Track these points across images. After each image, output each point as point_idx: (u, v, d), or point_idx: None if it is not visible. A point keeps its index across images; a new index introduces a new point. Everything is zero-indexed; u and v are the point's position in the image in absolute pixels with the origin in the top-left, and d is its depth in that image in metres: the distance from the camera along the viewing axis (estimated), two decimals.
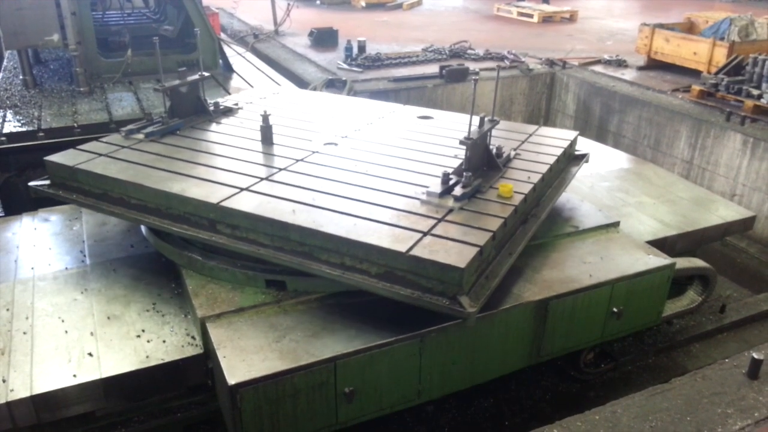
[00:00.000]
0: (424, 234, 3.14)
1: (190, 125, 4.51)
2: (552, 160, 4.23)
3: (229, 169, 3.81)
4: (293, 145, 4.25)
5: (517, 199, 3.59)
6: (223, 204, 3.34)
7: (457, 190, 3.47)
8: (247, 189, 3.53)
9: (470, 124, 3.60)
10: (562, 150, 4.43)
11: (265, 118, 4.21)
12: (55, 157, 3.88)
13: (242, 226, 3.33)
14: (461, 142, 3.53)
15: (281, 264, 3.31)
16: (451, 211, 3.39)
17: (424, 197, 3.49)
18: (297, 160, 3.99)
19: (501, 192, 3.57)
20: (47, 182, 3.93)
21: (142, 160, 3.87)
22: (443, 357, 3.37)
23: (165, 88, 4.31)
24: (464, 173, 3.54)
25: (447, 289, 2.95)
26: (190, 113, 4.61)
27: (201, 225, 3.45)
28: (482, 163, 3.87)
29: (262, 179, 3.68)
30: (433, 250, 2.99)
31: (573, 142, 4.70)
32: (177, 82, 4.41)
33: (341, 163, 4.02)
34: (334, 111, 5.20)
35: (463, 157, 3.69)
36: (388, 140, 4.51)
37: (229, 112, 4.88)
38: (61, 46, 6.32)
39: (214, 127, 4.60)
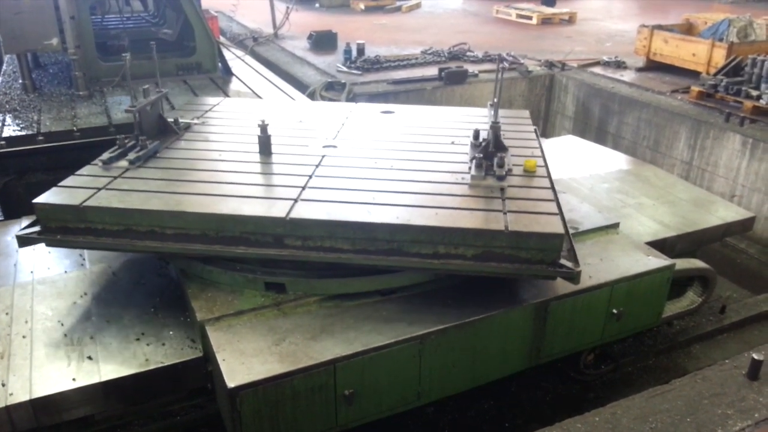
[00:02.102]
0: (504, 212, 3.33)
1: (165, 146, 4.19)
2: (533, 135, 4.55)
3: (257, 183, 3.68)
4: (294, 152, 4.16)
5: (543, 171, 3.89)
6: (294, 216, 3.22)
7: (499, 171, 3.69)
8: (300, 199, 3.42)
9: (497, 110, 3.85)
10: (533, 126, 4.80)
11: (263, 128, 4.04)
12: (47, 199, 3.38)
13: (316, 235, 3.24)
14: (491, 127, 3.78)
15: (368, 266, 3.34)
16: (502, 189, 3.61)
17: (469, 181, 3.68)
18: (316, 165, 3.92)
19: (526, 167, 3.85)
20: (37, 228, 3.41)
21: (153, 187, 3.56)
22: (443, 359, 3.37)
23: (137, 109, 3.97)
24: (497, 155, 3.77)
25: (546, 256, 3.20)
26: (156, 132, 4.29)
27: (264, 243, 3.28)
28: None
29: (303, 188, 3.57)
30: (526, 224, 3.22)
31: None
32: (145, 101, 4.10)
33: (360, 162, 4.02)
34: (296, 116, 5.02)
35: (460, 142, 4.24)
36: (380, 136, 4.54)
37: (188, 127, 4.60)
38: (61, 50, 6.32)
39: (190, 144, 4.30)
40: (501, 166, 3.73)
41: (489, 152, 3.84)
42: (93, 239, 3.38)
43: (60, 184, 3.55)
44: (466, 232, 3.18)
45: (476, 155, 3.84)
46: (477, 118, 4.98)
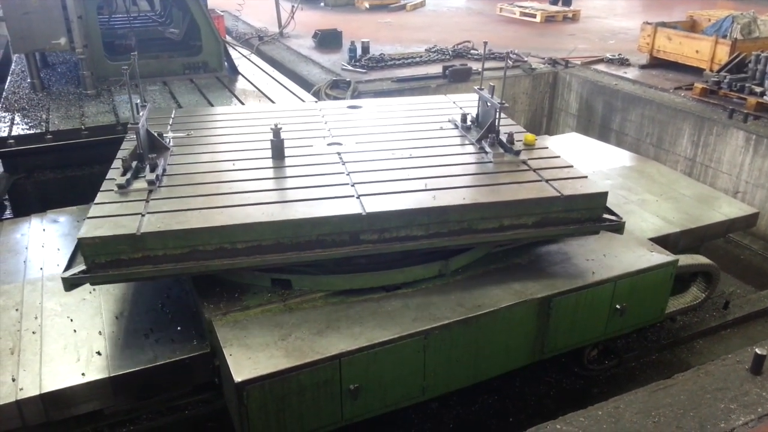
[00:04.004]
0: (546, 180, 3.72)
1: (168, 162, 3.95)
2: (503, 114, 4.82)
3: (300, 186, 3.63)
4: (304, 153, 4.13)
5: (540, 144, 4.29)
6: (371, 211, 3.30)
7: (516, 147, 4.08)
8: (360, 195, 3.48)
9: (503, 92, 4.17)
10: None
11: (276, 132, 3.97)
12: (94, 232, 3.06)
13: (393, 226, 3.36)
14: (499, 109, 4.07)
15: (440, 248, 3.54)
16: (524, 162, 3.97)
17: (492, 159, 4.03)
18: (342, 163, 3.96)
19: (526, 141, 4.25)
20: (82, 267, 3.12)
21: (199, 204, 3.40)
22: (447, 354, 3.40)
23: (140, 125, 3.74)
24: (508, 134, 4.17)
25: (593, 213, 3.67)
26: (149, 148, 3.97)
27: (340, 242, 3.32)
28: None
29: (353, 184, 3.62)
30: (573, 188, 3.65)
31: None
32: (143, 116, 3.86)
33: (378, 155, 4.12)
34: (264, 120, 4.81)
35: (446, 127, 4.62)
36: (370, 129, 4.64)
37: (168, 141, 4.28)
38: (68, 50, 6.37)
39: (189, 157, 4.07)
40: (512, 142, 4.10)
41: (497, 131, 4.21)
42: (151, 268, 3.14)
43: (89, 216, 3.24)
44: (528, 202, 3.53)
45: (490, 135, 4.17)
46: (440, 105, 5.32)
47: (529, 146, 4.20)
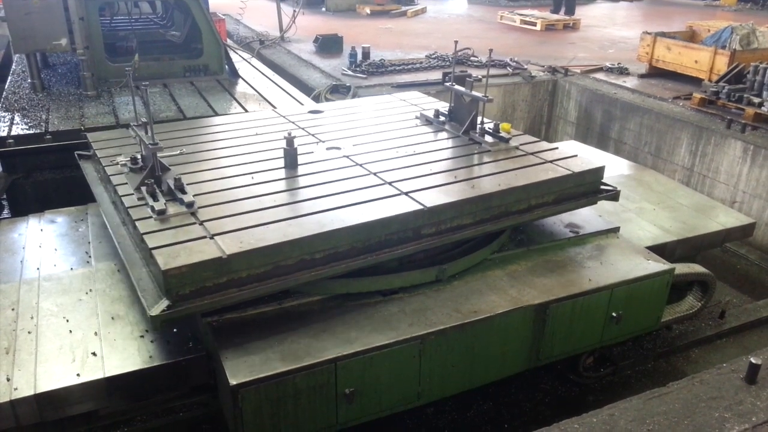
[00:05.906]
0: (551, 161, 4.14)
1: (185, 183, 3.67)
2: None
3: (338, 192, 3.65)
4: (311, 160, 4.13)
5: (515, 132, 4.65)
6: (434, 204, 3.49)
7: (502, 136, 4.45)
8: (405, 192, 3.63)
9: (486, 87, 4.45)
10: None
11: (290, 141, 3.94)
12: (178, 262, 2.91)
13: (447, 218, 3.58)
14: (486, 102, 4.38)
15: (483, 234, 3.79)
16: (517, 148, 4.38)
17: (488, 148, 4.34)
18: (358, 164, 4.05)
19: (503, 128, 4.56)
20: (166, 302, 2.95)
21: (256, 220, 3.32)
22: (443, 359, 3.41)
23: (159, 147, 3.61)
24: (493, 124, 4.55)
25: (594, 186, 4.17)
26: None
27: (405, 239, 3.46)
28: None
29: (391, 183, 3.76)
30: (577, 165, 4.10)
31: None
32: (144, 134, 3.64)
33: (386, 154, 4.26)
34: (243, 129, 4.84)
35: (423, 121, 4.96)
36: (355, 132, 4.74)
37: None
38: (69, 51, 6.38)
39: (194, 176, 3.91)
40: (497, 131, 4.46)
41: (482, 122, 4.53)
42: (236, 291, 3.07)
43: (152, 247, 3.06)
44: (550, 182, 3.91)
45: (480, 126, 4.49)
46: (393, 104, 5.64)
47: (506, 132, 4.51)
